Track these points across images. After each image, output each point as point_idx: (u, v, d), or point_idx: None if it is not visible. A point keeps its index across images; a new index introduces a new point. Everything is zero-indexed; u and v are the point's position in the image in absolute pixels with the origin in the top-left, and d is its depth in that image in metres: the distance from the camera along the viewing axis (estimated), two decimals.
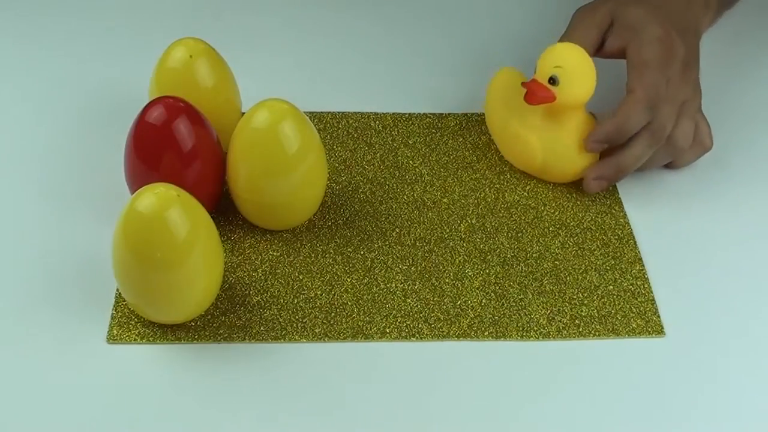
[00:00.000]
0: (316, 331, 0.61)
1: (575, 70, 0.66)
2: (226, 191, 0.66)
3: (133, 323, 0.61)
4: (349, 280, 0.64)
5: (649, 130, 0.67)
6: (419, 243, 0.66)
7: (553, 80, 0.66)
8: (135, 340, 0.61)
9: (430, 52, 0.81)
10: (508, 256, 0.66)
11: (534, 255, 0.66)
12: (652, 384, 0.60)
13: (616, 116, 0.67)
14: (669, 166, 0.71)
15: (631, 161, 0.67)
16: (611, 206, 0.69)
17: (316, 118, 0.74)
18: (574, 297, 0.64)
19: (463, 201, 0.69)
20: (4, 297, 0.63)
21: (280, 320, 0.62)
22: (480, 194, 0.69)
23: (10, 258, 0.65)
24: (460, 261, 0.65)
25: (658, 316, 0.63)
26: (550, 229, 0.67)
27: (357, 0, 0.85)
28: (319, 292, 0.63)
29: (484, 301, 0.63)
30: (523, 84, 0.67)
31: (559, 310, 0.63)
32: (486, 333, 0.62)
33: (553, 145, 0.68)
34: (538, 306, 0.63)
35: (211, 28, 0.78)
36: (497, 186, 0.70)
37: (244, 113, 0.64)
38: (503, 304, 0.63)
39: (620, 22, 0.70)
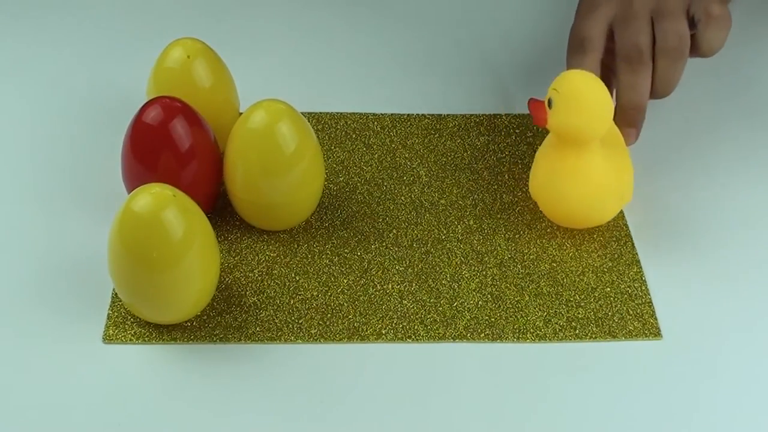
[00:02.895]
0: (312, 332, 0.61)
1: (571, 96, 0.62)
2: (223, 191, 0.66)
3: (128, 323, 0.61)
4: (345, 281, 0.64)
5: (621, 56, 0.66)
6: (416, 244, 0.66)
7: (549, 103, 0.63)
8: (131, 340, 0.61)
9: (429, 53, 0.81)
10: (505, 257, 0.66)
11: (531, 257, 0.66)
12: (649, 387, 0.59)
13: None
14: (699, 54, 0.69)
15: (632, 94, 0.66)
16: None
17: (314, 118, 0.74)
18: (571, 299, 0.63)
19: (460, 202, 0.69)
20: (0, 297, 0.63)
21: (276, 321, 0.62)
22: (478, 196, 0.69)
23: (5, 257, 0.65)
24: (456, 263, 0.65)
25: (656, 319, 0.62)
26: (548, 230, 0.67)
27: (355, 0, 0.85)
28: (315, 293, 0.63)
29: (480, 302, 0.63)
30: (529, 100, 0.64)
31: (555, 312, 0.63)
32: (482, 335, 0.62)
33: (550, 174, 0.64)
34: (534, 308, 0.63)
35: (209, 28, 0.78)
36: (495, 188, 0.70)
37: (241, 113, 0.64)
38: (500, 306, 0.63)
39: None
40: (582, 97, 0.62)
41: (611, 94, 0.64)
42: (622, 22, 0.68)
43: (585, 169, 0.63)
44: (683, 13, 0.68)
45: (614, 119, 0.66)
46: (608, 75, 0.70)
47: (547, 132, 0.65)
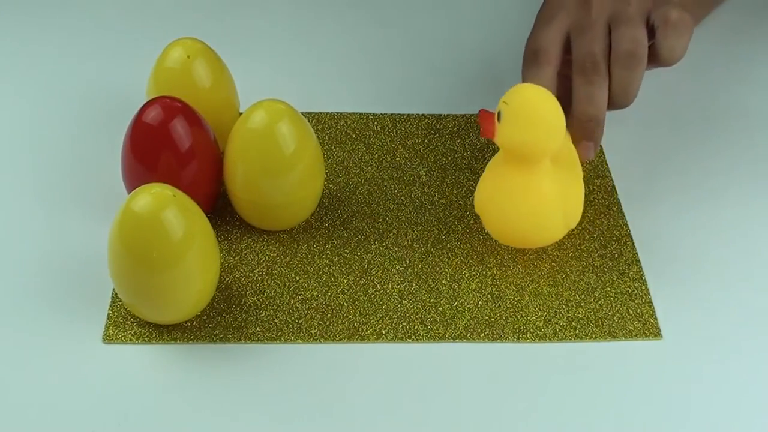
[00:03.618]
0: (312, 332, 0.61)
1: (521, 111, 0.59)
2: (223, 191, 0.66)
3: (129, 323, 0.61)
4: (345, 281, 0.64)
5: (576, 67, 0.64)
6: (416, 244, 0.66)
7: (498, 116, 0.60)
8: (131, 340, 0.61)
9: (429, 53, 0.81)
10: (505, 257, 0.66)
11: (531, 257, 0.66)
12: (649, 387, 0.59)
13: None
14: (660, 63, 0.66)
15: (588, 106, 0.64)
16: (609, 207, 0.69)
17: (314, 118, 0.74)
18: (571, 299, 0.63)
19: (461, 202, 0.69)
20: (0, 296, 0.63)
21: (276, 321, 0.62)
22: None
23: (5, 257, 0.65)
24: (457, 263, 0.65)
25: (656, 319, 0.62)
26: None
27: (355, 0, 0.85)
28: (315, 293, 0.63)
29: (480, 302, 0.63)
30: (480, 111, 0.62)
31: (555, 312, 0.63)
32: (482, 335, 0.61)
33: (494, 190, 0.63)
34: (534, 308, 0.63)
35: (209, 28, 0.78)
36: None
37: (241, 113, 0.64)
38: (500, 306, 0.63)
39: None
40: (532, 112, 0.59)
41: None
42: (578, 31, 0.66)
43: (530, 190, 0.61)
44: (642, 20, 0.66)
45: (571, 133, 0.64)
46: (568, 87, 0.67)
47: None
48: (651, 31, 0.66)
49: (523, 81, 0.66)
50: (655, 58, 0.66)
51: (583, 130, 0.65)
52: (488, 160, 0.71)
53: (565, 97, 0.65)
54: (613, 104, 0.66)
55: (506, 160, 0.62)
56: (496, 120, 0.60)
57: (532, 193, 0.61)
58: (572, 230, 0.67)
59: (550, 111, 0.60)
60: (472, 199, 0.69)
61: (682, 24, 0.65)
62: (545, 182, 0.61)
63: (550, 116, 0.60)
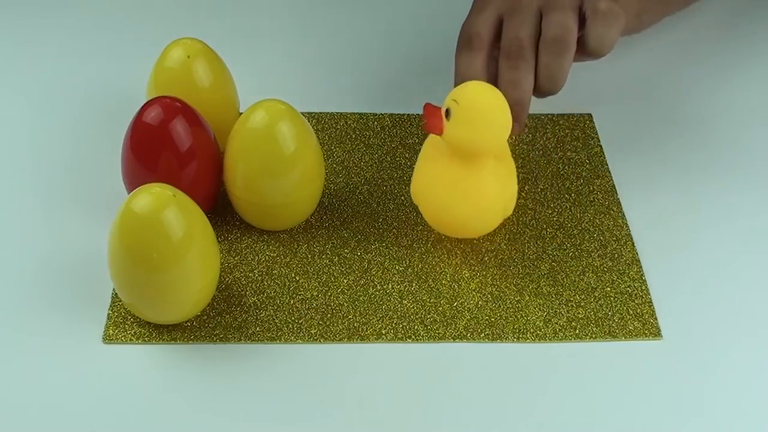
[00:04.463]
0: (312, 332, 0.61)
1: (473, 110, 0.59)
2: (223, 191, 0.66)
3: (129, 323, 0.61)
4: (345, 281, 0.64)
5: (502, 51, 0.64)
6: (416, 244, 0.66)
7: (447, 113, 0.60)
8: (131, 340, 0.61)
9: (429, 53, 0.81)
10: (505, 257, 0.66)
11: (531, 256, 0.66)
12: (649, 387, 0.59)
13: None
14: (588, 53, 0.65)
15: (512, 91, 0.63)
16: (609, 207, 0.69)
17: (314, 118, 0.74)
18: (571, 299, 0.63)
19: None
20: (0, 296, 0.63)
21: (276, 321, 0.62)
22: None
23: (5, 257, 0.65)
24: (456, 262, 0.65)
25: (656, 319, 0.62)
26: (548, 230, 0.67)
27: (356, 0, 0.85)
28: (315, 293, 0.63)
29: (480, 302, 0.63)
30: (425, 105, 0.62)
31: (555, 312, 0.63)
32: (482, 335, 0.61)
33: (437, 183, 0.62)
34: (534, 308, 0.63)
35: (209, 28, 0.78)
36: None
37: (241, 113, 0.64)
38: (500, 306, 0.63)
39: None
40: (483, 112, 0.60)
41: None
42: (509, 16, 0.66)
43: (476, 184, 0.62)
44: (573, 9, 0.65)
45: None
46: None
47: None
48: (583, 21, 0.65)
49: (456, 65, 0.65)
50: (583, 48, 0.65)
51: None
52: (478, 175, 0.70)
53: (496, 81, 0.65)
54: (540, 90, 0.65)
55: (449, 154, 0.62)
56: (443, 116, 0.61)
57: (476, 188, 0.62)
58: (572, 230, 0.67)
59: (499, 110, 0.60)
60: None
61: (611, 15, 0.64)
62: (489, 177, 0.62)
63: (500, 116, 0.60)
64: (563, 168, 0.71)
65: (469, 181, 0.62)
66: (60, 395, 0.58)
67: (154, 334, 0.61)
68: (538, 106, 0.75)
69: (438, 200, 0.63)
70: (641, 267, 0.65)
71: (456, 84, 0.65)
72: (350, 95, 0.76)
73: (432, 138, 0.63)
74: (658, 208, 0.69)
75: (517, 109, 0.64)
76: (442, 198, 0.62)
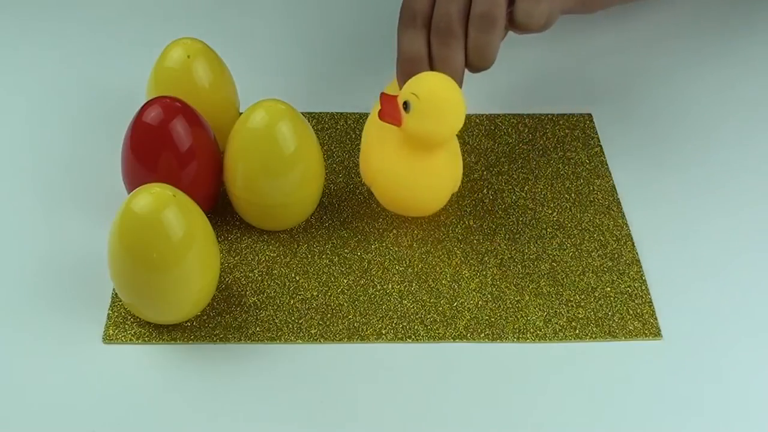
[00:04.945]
0: (312, 332, 0.61)
1: (433, 104, 0.60)
2: (223, 191, 0.66)
3: (129, 323, 0.61)
4: (345, 281, 0.64)
5: (433, 28, 0.63)
6: (416, 244, 0.66)
7: (406, 106, 0.61)
8: (131, 340, 0.61)
9: None
10: (505, 257, 0.66)
11: (531, 257, 0.66)
12: (649, 387, 0.59)
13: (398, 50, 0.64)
14: (517, 27, 0.64)
15: (443, 69, 0.63)
16: (609, 207, 0.69)
17: (314, 118, 0.74)
18: (571, 299, 0.63)
19: (460, 202, 0.69)
20: (0, 296, 0.63)
21: (276, 321, 0.62)
22: (478, 195, 0.69)
23: (5, 257, 0.65)
24: (456, 262, 0.65)
25: (656, 319, 0.62)
26: (548, 230, 0.67)
27: (356, 0, 0.85)
28: (315, 293, 0.63)
29: (480, 302, 0.63)
30: (382, 95, 0.63)
31: (555, 312, 0.63)
32: (482, 335, 0.61)
33: (392, 166, 0.63)
34: (534, 308, 0.63)
35: (209, 28, 0.78)
36: (495, 187, 0.70)
37: (241, 113, 0.64)
38: (500, 306, 0.63)
39: None
40: (444, 106, 0.61)
41: None
42: None
43: (432, 167, 0.63)
44: None
45: None
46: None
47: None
48: None
49: (399, 43, 0.65)
50: (512, 23, 0.64)
51: None
52: (488, 160, 0.70)
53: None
54: (471, 66, 0.65)
55: (400, 140, 0.63)
56: (401, 108, 0.61)
57: (433, 170, 0.63)
58: (572, 230, 0.67)
59: (458, 103, 0.61)
60: (473, 199, 0.69)
61: None
62: (442, 161, 0.63)
63: (458, 108, 0.61)
64: (563, 168, 0.71)
65: (425, 164, 0.63)
66: (60, 395, 0.58)
67: (154, 334, 0.61)
68: (538, 106, 0.75)
69: (393, 183, 0.64)
70: (641, 267, 0.65)
71: (400, 61, 0.65)
72: (350, 95, 0.76)
73: (375, 120, 0.64)
74: (658, 208, 0.69)
75: (456, 79, 0.63)
76: (398, 181, 0.63)
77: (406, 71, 0.64)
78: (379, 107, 0.63)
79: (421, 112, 0.61)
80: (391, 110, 0.61)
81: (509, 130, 0.74)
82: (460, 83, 0.64)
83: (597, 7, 0.72)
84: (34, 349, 0.60)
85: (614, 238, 0.67)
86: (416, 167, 0.63)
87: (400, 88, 0.63)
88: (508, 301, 0.63)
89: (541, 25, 0.64)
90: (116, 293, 0.62)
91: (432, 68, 0.64)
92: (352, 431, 0.57)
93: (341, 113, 0.75)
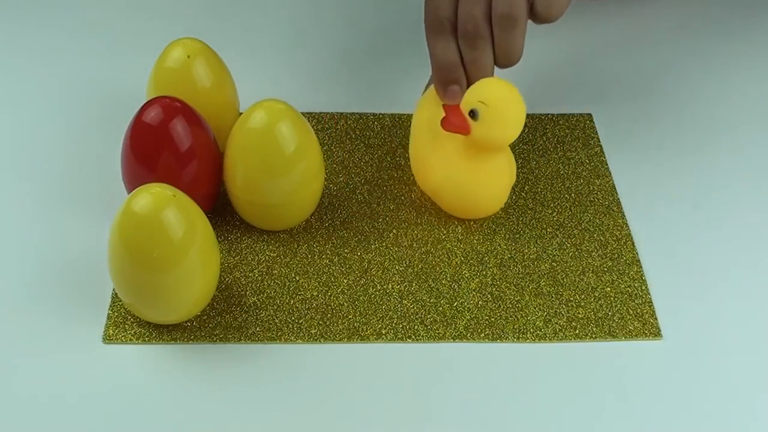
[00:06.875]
0: (312, 332, 0.61)
1: (502, 111, 0.62)
2: (223, 191, 0.66)
3: (128, 323, 0.61)
4: (345, 281, 0.64)
5: (460, 31, 0.64)
6: (416, 244, 0.66)
7: (473, 114, 0.62)
8: (131, 340, 0.61)
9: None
10: (505, 257, 0.66)
11: (531, 257, 0.66)
12: (649, 387, 0.59)
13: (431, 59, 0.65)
14: (538, 19, 0.65)
15: (475, 70, 0.65)
16: (610, 207, 0.69)
17: (314, 118, 0.74)
18: (571, 299, 0.63)
19: None
20: (0, 297, 0.63)
21: (276, 321, 0.62)
22: None
23: (5, 257, 0.65)
24: (456, 262, 0.65)
25: (656, 319, 0.62)
26: (548, 230, 0.67)
27: (356, 0, 0.85)
28: (315, 293, 0.63)
29: (480, 302, 0.63)
30: (445, 107, 0.64)
31: (555, 312, 0.63)
32: (482, 335, 0.62)
33: (459, 174, 0.65)
34: (534, 308, 0.63)
35: (209, 28, 0.78)
36: None
37: (241, 113, 0.64)
38: (500, 306, 0.63)
39: None
40: (512, 110, 0.63)
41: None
42: None
43: (495, 168, 0.65)
44: None
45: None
46: None
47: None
48: None
49: (432, 51, 0.66)
50: (533, 15, 0.65)
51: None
52: (496, 161, 0.69)
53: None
54: (500, 64, 0.66)
55: (463, 146, 0.64)
56: (468, 117, 0.63)
57: (495, 172, 0.65)
58: (572, 230, 0.67)
59: (522, 106, 0.63)
60: None
61: None
62: (503, 160, 0.65)
63: (523, 111, 0.63)
64: (563, 168, 0.71)
65: (490, 169, 0.64)
66: (60, 395, 0.58)
67: (154, 334, 0.61)
68: (538, 106, 0.75)
69: (462, 188, 0.65)
70: (641, 267, 0.65)
71: (436, 69, 0.66)
72: (350, 95, 0.76)
73: (424, 128, 0.65)
74: (658, 208, 0.69)
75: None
76: (467, 186, 0.65)
77: (443, 79, 0.65)
78: (422, 113, 0.65)
79: (490, 118, 0.62)
80: (458, 120, 0.63)
81: None
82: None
83: None
84: (34, 348, 0.60)
85: (614, 238, 0.67)
86: (481, 170, 0.64)
87: (441, 97, 0.65)
88: (508, 301, 0.63)
89: (561, 14, 0.66)
90: (116, 293, 0.62)
91: (465, 71, 0.65)
92: (351, 431, 0.57)
93: (341, 113, 0.75)
